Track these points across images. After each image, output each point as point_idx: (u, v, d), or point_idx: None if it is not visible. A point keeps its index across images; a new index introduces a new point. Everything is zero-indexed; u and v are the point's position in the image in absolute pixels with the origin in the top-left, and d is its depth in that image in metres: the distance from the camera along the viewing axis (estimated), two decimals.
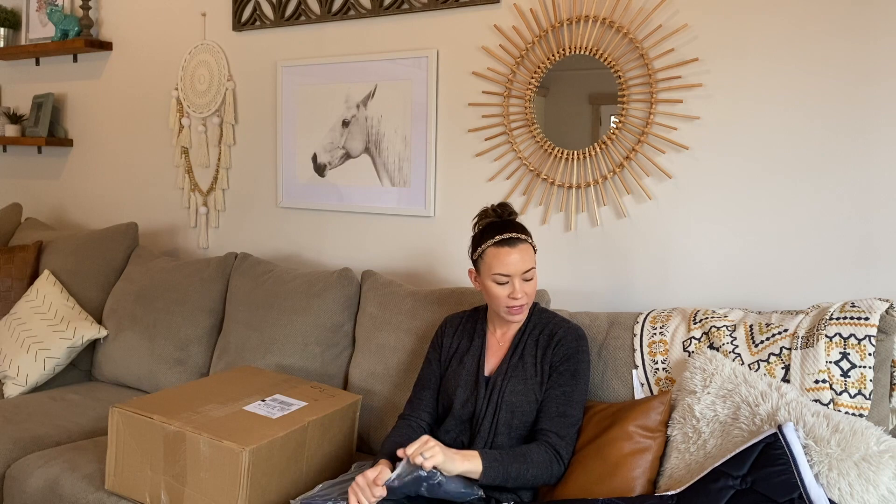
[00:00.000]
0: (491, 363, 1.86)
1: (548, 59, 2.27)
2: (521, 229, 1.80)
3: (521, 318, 1.81)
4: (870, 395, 1.61)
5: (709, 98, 2.07)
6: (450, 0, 2.44)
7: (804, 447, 1.47)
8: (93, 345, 2.83)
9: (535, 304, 1.91)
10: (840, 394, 1.62)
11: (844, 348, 1.64)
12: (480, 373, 1.84)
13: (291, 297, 2.44)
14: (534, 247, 1.80)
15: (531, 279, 1.78)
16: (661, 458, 1.71)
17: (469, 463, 1.61)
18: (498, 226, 1.80)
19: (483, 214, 1.86)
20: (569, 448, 1.74)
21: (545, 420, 1.75)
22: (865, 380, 1.61)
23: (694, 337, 1.85)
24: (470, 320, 1.95)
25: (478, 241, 1.82)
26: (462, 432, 1.83)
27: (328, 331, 2.37)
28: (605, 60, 2.18)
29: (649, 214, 2.18)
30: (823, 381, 1.64)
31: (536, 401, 1.78)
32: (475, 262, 1.82)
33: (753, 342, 1.76)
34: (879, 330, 1.65)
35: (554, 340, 1.81)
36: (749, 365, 1.74)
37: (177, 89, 3.13)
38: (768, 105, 1.99)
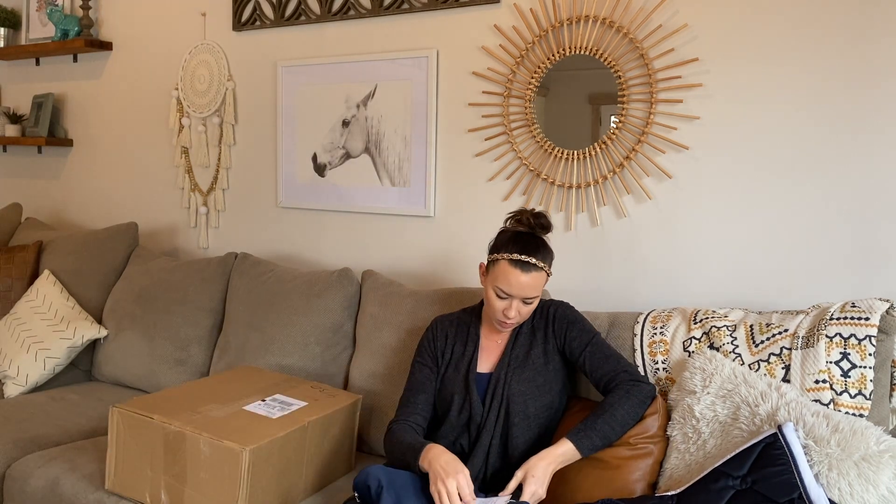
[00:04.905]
0: (490, 361, 1.86)
1: (548, 59, 2.27)
2: (544, 255, 1.75)
3: (507, 330, 1.82)
4: (870, 395, 1.61)
5: (709, 98, 2.06)
6: (450, 0, 2.44)
7: (804, 447, 1.47)
8: (93, 345, 2.82)
9: None
10: (840, 394, 1.62)
11: (845, 348, 1.64)
12: (471, 376, 1.83)
13: (291, 297, 2.44)
14: (548, 273, 1.77)
15: (531, 304, 1.77)
16: (661, 459, 1.71)
17: (563, 454, 1.64)
18: (525, 240, 1.75)
19: (518, 217, 1.81)
20: (638, 373, 1.75)
21: (599, 371, 1.76)
22: (866, 380, 1.61)
23: (694, 337, 1.85)
24: (461, 323, 1.93)
25: (499, 245, 1.77)
26: (460, 435, 1.83)
27: (328, 331, 2.37)
28: (605, 60, 2.18)
29: (649, 214, 2.18)
30: (824, 381, 1.64)
31: (546, 383, 1.79)
32: (489, 261, 1.79)
33: (754, 342, 1.76)
34: (880, 330, 1.65)
35: (550, 317, 1.84)
36: (749, 365, 1.74)
37: (177, 89, 3.12)
38: (769, 105, 1.99)
